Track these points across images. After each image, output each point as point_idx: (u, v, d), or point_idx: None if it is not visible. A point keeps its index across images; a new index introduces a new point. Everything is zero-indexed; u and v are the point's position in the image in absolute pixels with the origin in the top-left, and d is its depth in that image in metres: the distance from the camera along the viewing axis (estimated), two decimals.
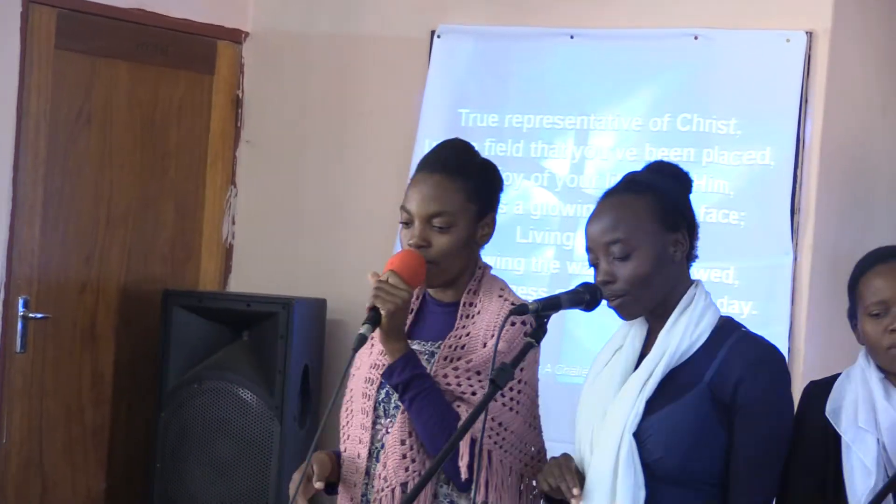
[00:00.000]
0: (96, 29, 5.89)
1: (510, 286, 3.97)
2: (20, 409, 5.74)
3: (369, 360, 3.98)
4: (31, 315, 5.67)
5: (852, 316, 3.81)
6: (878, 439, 3.67)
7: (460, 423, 3.72)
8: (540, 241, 5.59)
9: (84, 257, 5.94)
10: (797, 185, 5.22)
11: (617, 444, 3.65)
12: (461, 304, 3.94)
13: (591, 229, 3.73)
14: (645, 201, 3.73)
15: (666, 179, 3.83)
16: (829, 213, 5.23)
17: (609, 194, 3.78)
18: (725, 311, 5.11)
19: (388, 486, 3.87)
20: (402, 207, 3.94)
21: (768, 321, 5.18)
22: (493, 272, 4.00)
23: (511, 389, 3.82)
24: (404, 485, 3.86)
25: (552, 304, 3.62)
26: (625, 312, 3.71)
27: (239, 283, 6.33)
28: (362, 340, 3.74)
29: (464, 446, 3.81)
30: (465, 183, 3.93)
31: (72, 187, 5.88)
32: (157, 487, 5.82)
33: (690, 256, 3.79)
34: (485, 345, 3.86)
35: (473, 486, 3.75)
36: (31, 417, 5.79)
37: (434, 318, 3.95)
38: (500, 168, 5.56)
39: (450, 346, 3.88)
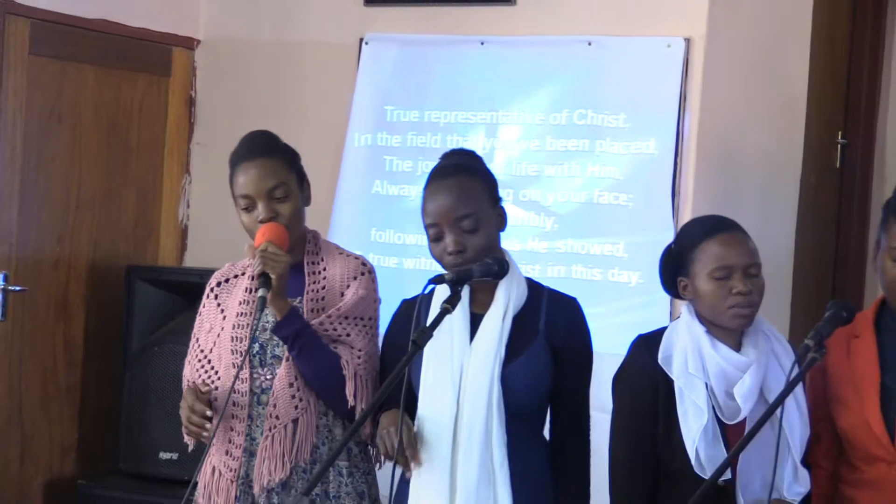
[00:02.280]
0: (66, 37, 5.87)
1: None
2: (1, 371, 5.75)
3: (231, 322, 4.04)
4: (10, 288, 5.66)
5: (674, 271, 3.86)
6: (706, 383, 3.69)
7: (343, 359, 3.94)
8: None
9: (56, 237, 5.94)
10: (677, 172, 5.28)
11: (487, 389, 3.69)
12: (305, 264, 4.04)
13: (436, 206, 3.79)
14: (479, 182, 3.83)
15: (482, 164, 3.95)
16: (705, 196, 5.28)
17: (445, 177, 3.82)
18: (616, 280, 5.21)
19: (280, 423, 3.95)
20: (241, 196, 4.02)
21: (652, 289, 5.14)
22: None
23: (370, 321, 4.03)
24: (295, 420, 3.94)
25: (465, 275, 3.67)
26: (499, 278, 3.77)
27: (193, 259, 6.34)
28: (264, 303, 3.83)
29: (350, 381, 3.93)
30: (283, 156, 4.07)
31: (45, 176, 5.88)
32: (123, 437, 5.81)
33: (503, 227, 3.87)
34: (342, 294, 3.99)
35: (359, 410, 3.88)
36: (11, 378, 5.80)
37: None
38: (420, 158, 5.66)
39: (311, 300, 4.00)
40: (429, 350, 3.73)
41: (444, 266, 3.76)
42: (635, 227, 5.31)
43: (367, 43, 5.91)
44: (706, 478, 3.58)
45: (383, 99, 5.84)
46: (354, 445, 4.06)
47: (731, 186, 5.41)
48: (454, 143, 5.63)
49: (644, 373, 3.78)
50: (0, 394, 5.77)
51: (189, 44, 6.33)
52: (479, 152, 5.49)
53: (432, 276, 3.63)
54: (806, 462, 3.79)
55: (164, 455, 5.65)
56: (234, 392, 3.98)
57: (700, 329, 3.75)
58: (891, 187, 6.61)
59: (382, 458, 3.86)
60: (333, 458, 3.58)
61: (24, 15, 5.69)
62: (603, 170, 5.38)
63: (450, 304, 3.57)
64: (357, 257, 4.12)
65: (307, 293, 4.01)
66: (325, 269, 4.07)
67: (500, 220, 3.84)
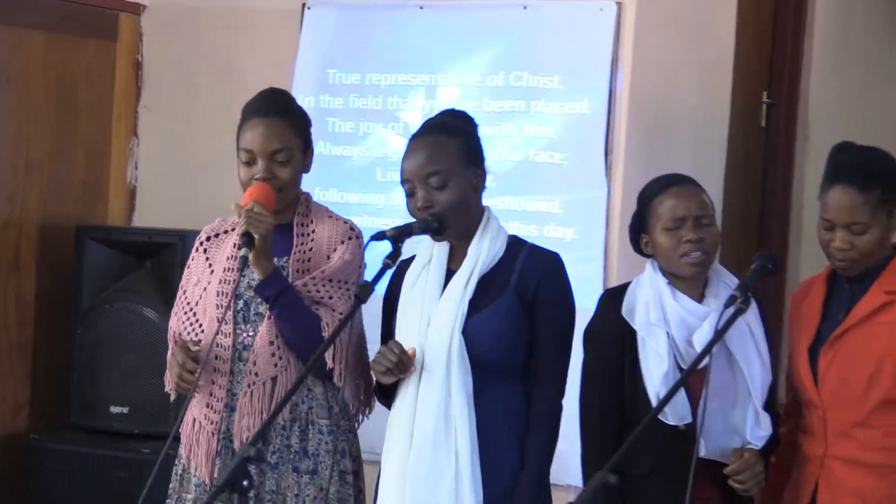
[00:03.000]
0: (16, 4, 5.81)
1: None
2: None
3: (217, 277, 4.02)
4: None
5: (637, 230, 3.90)
6: (667, 333, 3.73)
7: (324, 322, 3.90)
8: (395, 180, 5.49)
9: (7, 198, 5.86)
10: (609, 131, 5.27)
11: (448, 341, 3.72)
12: (295, 225, 4.01)
13: (409, 163, 3.83)
14: (455, 141, 3.84)
15: (466, 124, 3.92)
16: (636, 154, 5.27)
17: (422, 135, 3.86)
18: (551, 236, 5.22)
19: (259, 380, 3.93)
20: (244, 149, 3.98)
21: (587, 244, 5.24)
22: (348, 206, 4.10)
23: (353, 285, 3.96)
24: (274, 378, 3.92)
25: (405, 231, 3.68)
26: (444, 237, 3.81)
27: (141, 219, 6.28)
28: (245, 262, 3.79)
29: (330, 345, 3.90)
30: (293, 121, 4.02)
31: None
32: (74, 393, 5.78)
33: (482, 188, 3.89)
34: (328, 257, 3.96)
35: (337, 370, 3.89)
36: None
37: (274, 238, 3.93)
38: (361, 119, 5.63)
39: (298, 260, 3.98)
40: (403, 303, 3.83)
41: (415, 220, 3.78)
42: (569, 185, 5.30)
43: (309, 8, 5.86)
44: (668, 423, 3.67)
45: (325, 62, 5.80)
46: (335, 405, 4.04)
47: (662, 144, 5.41)
48: (394, 104, 5.62)
49: (610, 325, 3.85)
50: None
51: (135, 9, 6.26)
52: (419, 113, 5.60)
53: (374, 232, 3.64)
54: (768, 407, 3.83)
55: (114, 409, 5.62)
56: (217, 346, 3.96)
57: (662, 281, 3.82)
58: (813, 145, 6.66)
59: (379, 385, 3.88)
60: (281, 406, 3.55)
61: None
62: (538, 129, 5.37)
63: (391, 259, 3.59)
64: (346, 221, 4.10)
65: (294, 253, 3.99)
66: (313, 231, 4.04)
67: (479, 180, 3.86)
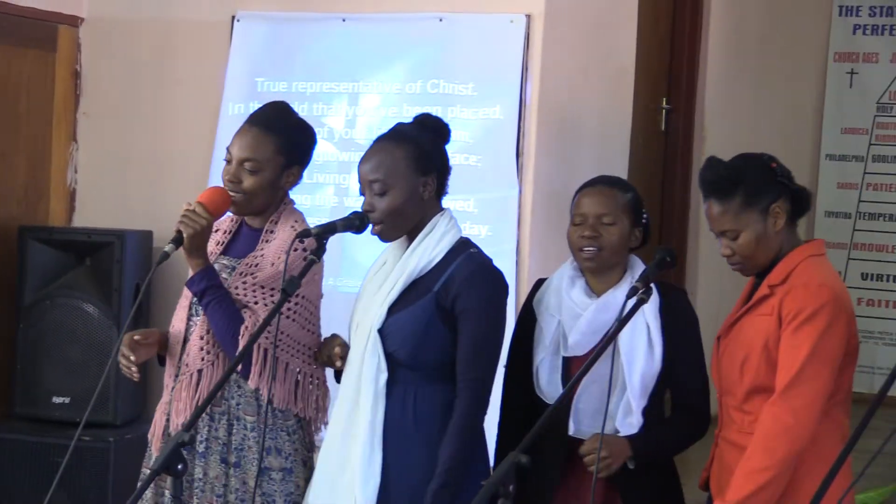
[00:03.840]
0: None
1: (306, 219, 3.99)
2: None
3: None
4: None
5: None
6: (559, 320, 3.75)
7: (245, 325, 3.84)
8: (322, 182, 5.58)
9: None
10: (520, 135, 5.27)
11: (366, 337, 3.71)
12: (263, 231, 3.96)
13: (361, 168, 3.80)
14: (403, 150, 3.78)
15: (426, 132, 3.89)
16: (545, 156, 5.30)
17: (378, 141, 3.84)
18: (466, 233, 5.21)
19: (188, 371, 3.92)
20: (228, 149, 3.97)
21: (500, 240, 5.25)
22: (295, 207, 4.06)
23: (290, 302, 3.83)
24: (200, 371, 3.90)
25: (329, 229, 3.68)
26: (383, 236, 3.77)
27: (81, 220, 6.23)
28: (165, 257, 3.76)
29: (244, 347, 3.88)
30: (278, 137, 3.93)
31: None
32: (18, 386, 5.73)
33: (441, 192, 3.83)
34: (272, 264, 3.89)
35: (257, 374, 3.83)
36: None
37: (244, 240, 3.96)
38: None
39: (246, 264, 3.94)
40: (363, 294, 3.82)
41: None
42: (484, 185, 5.31)
43: (238, 20, 5.83)
44: (548, 403, 3.71)
45: (254, 71, 5.78)
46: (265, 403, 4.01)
47: (569, 148, 5.45)
48: (319, 111, 5.61)
49: (526, 311, 3.91)
50: None
51: (74, 21, 6.20)
52: (342, 120, 5.59)
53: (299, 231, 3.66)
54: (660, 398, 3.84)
55: (56, 399, 5.58)
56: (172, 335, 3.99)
57: (568, 272, 3.84)
58: (709, 147, 6.73)
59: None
60: (208, 401, 3.52)
61: None
62: (454, 134, 5.24)
63: (315, 255, 3.59)
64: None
65: (248, 257, 3.95)
66: (274, 237, 4.00)
67: (427, 187, 3.77)
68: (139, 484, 3.90)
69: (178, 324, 3.99)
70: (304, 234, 3.62)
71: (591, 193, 3.84)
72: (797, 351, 3.62)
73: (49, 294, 5.70)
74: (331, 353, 3.77)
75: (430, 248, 3.74)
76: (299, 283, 3.52)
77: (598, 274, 3.83)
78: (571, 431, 3.74)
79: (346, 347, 3.77)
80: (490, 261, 3.80)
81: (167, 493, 3.92)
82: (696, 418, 3.86)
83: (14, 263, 5.77)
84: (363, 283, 3.85)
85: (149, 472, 3.63)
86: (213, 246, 4.00)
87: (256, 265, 3.91)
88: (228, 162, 3.95)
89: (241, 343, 3.80)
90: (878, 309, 8.37)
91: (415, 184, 3.74)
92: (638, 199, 3.87)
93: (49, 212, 6.18)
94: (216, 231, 4.02)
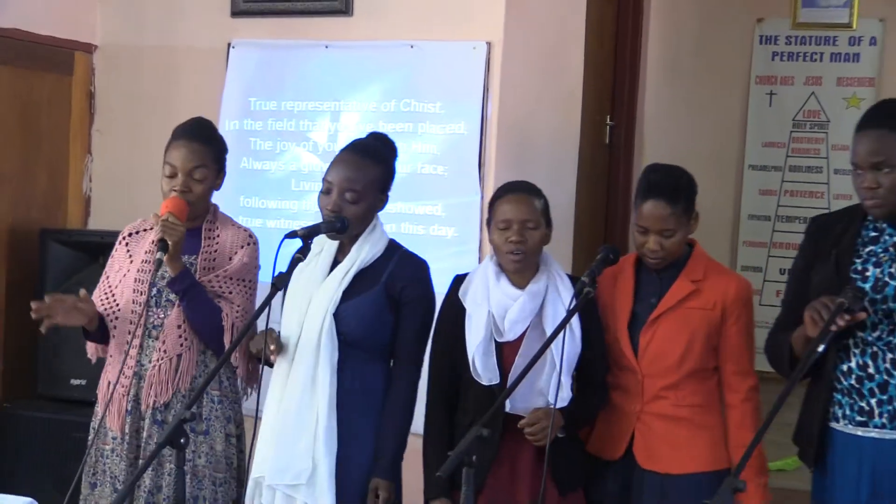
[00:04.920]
0: None
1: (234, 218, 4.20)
2: None
3: (136, 267, 4.03)
4: None
5: (490, 224, 3.88)
6: (488, 310, 3.75)
7: (224, 312, 3.95)
8: (307, 189, 5.56)
9: None
10: (482, 148, 5.27)
11: (321, 320, 3.72)
12: (203, 230, 4.04)
13: (337, 172, 3.81)
14: (378, 170, 3.85)
15: (391, 155, 3.90)
16: (504, 167, 5.29)
17: (357, 153, 3.84)
18: (435, 234, 5.23)
19: (167, 356, 3.95)
20: (168, 164, 4.00)
21: (464, 241, 5.26)
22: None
23: (245, 282, 4.03)
24: (179, 355, 3.96)
25: (314, 231, 3.68)
26: (343, 237, 3.81)
27: (95, 223, 6.20)
28: (160, 263, 3.83)
29: (227, 331, 3.94)
30: (212, 149, 4.04)
31: None
32: (40, 370, 5.73)
33: (381, 209, 3.91)
34: (230, 259, 4.00)
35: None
36: None
37: (186, 240, 3.96)
38: (278, 139, 5.63)
39: (204, 259, 4.03)
40: (293, 285, 3.78)
41: (322, 216, 3.77)
42: (450, 192, 5.31)
43: (233, 47, 5.82)
44: (483, 384, 3.72)
45: (248, 92, 5.77)
46: (226, 379, 4.06)
47: (525, 159, 5.45)
48: (305, 127, 5.61)
49: (452, 303, 3.87)
50: None
51: (88, 48, 6.18)
52: (325, 134, 5.58)
53: (287, 231, 3.64)
54: (581, 375, 3.86)
55: (74, 381, 5.56)
56: (131, 324, 3.97)
57: (492, 269, 3.85)
58: (647, 158, 6.76)
59: (250, 374, 3.90)
60: (208, 381, 3.57)
61: None
62: (424, 147, 5.38)
63: (301, 253, 3.60)
64: (245, 230, 4.15)
65: (202, 253, 4.02)
66: (218, 236, 4.07)
67: (381, 203, 3.86)
68: (140, 462, 3.94)
69: (125, 307, 4.01)
70: (292, 234, 3.63)
71: (514, 200, 3.82)
72: (747, 337, 3.86)
73: (67, 289, 5.62)
74: (266, 349, 3.71)
75: (374, 243, 3.82)
76: (289, 278, 3.54)
77: (519, 271, 3.83)
78: (508, 409, 3.75)
79: (279, 344, 3.74)
80: (423, 259, 3.90)
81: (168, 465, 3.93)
82: (603, 392, 3.92)
83: (36, 262, 5.74)
84: (296, 271, 3.75)
85: (156, 444, 3.64)
86: (150, 245, 4.05)
87: (214, 260, 4.01)
88: (171, 175, 3.99)
89: (226, 331, 3.88)
90: None
91: (378, 199, 3.85)
92: (547, 201, 3.88)
93: (67, 216, 6.15)
94: (150, 230, 4.11)
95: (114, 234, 5.66)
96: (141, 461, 3.97)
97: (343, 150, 3.86)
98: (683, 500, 3.76)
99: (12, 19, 5.78)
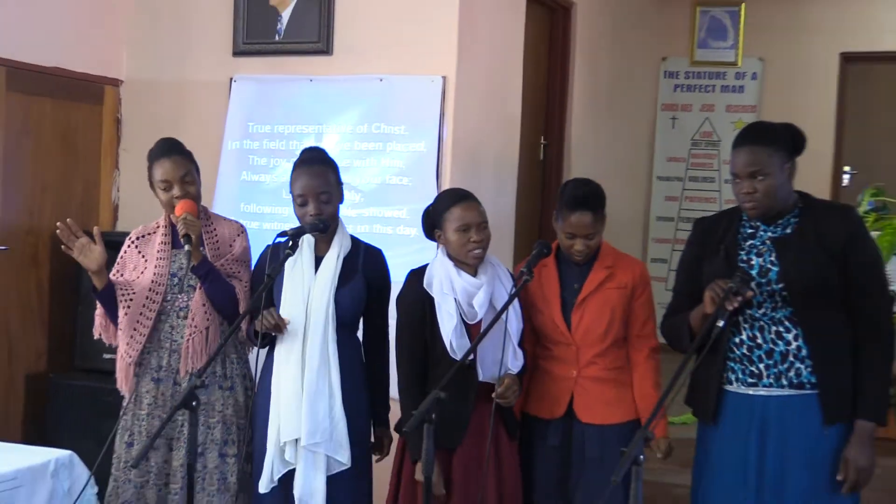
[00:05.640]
0: (31, 79, 5.66)
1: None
2: None
3: (153, 264, 4.00)
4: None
5: (431, 227, 3.87)
6: (455, 298, 3.75)
7: (238, 289, 3.97)
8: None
9: (28, 213, 5.73)
10: (439, 164, 5.28)
11: (326, 304, 3.71)
12: (202, 227, 4.00)
13: (305, 184, 3.82)
14: (334, 171, 3.90)
15: (329, 156, 3.93)
16: (457, 179, 5.30)
17: (314, 164, 3.84)
18: (401, 234, 5.19)
19: (198, 330, 3.92)
20: (160, 181, 4.03)
21: (424, 240, 5.15)
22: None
23: (246, 264, 4.05)
24: (207, 328, 3.93)
25: (301, 231, 3.68)
26: (324, 233, 3.80)
27: (123, 226, 6.16)
28: (189, 255, 3.79)
29: (242, 302, 3.99)
30: (186, 159, 4.04)
31: (21, 172, 5.67)
32: (78, 344, 5.71)
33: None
34: (231, 245, 4.01)
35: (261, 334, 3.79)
36: (1, 308, 5.61)
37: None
38: (272, 156, 5.59)
39: (211, 249, 4.04)
40: (287, 279, 3.76)
41: (303, 223, 3.76)
42: (413, 199, 5.30)
43: (235, 81, 5.81)
44: (458, 360, 3.65)
45: (247, 117, 5.75)
46: (240, 345, 4.06)
47: (474, 174, 5.47)
48: (294, 146, 5.59)
49: (415, 294, 3.83)
50: None
51: (116, 83, 6.15)
52: None
53: (280, 231, 3.65)
54: (521, 345, 3.86)
55: (106, 356, 5.51)
56: (147, 308, 3.92)
57: (449, 263, 3.83)
58: (574, 172, 6.78)
59: (261, 333, 3.80)
60: (219, 349, 3.55)
61: (3, 64, 5.49)
62: (391, 162, 5.38)
63: (291, 250, 3.58)
64: (235, 221, 4.16)
65: (207, 245, 4.00)
66: (215, 230, 4.07)
67: (341, 196, 3.87)
68: (158, 423, 3.91)
69: (140, 293, 3.95)
70: (283, 234, 3.63)
71: (469, 207, 3.81)
72: (649, 308, 3.92)
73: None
74: (279, 323, 3.69)
75: (344, 236, 3.86)
76: (281, 269, 3.53)
77: (480, 265, 3.84)
78: (481, 378, 3.75)
79: (282, 320, 3.72)
80: (380, 249, 3.98)
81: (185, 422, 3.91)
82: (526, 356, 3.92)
83: (74, 260, 5.63)
84: (286, 269, 3.78)
85: (171, 407, 3.62)
86: (161, 245, 4.02)
87: (218, 248, 3.99)
88: (166, 189, 3.97)
89: (242, 302, 3.94)
90: None
91: (339, 196, 3.88)
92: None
93: (99, 220, 6.12)
94: (156, 232, 4.10)
95: None
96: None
97: (300, 166, 3.84)
98: (619, 444, 3.77)
99: (53, 59, 5.77)
